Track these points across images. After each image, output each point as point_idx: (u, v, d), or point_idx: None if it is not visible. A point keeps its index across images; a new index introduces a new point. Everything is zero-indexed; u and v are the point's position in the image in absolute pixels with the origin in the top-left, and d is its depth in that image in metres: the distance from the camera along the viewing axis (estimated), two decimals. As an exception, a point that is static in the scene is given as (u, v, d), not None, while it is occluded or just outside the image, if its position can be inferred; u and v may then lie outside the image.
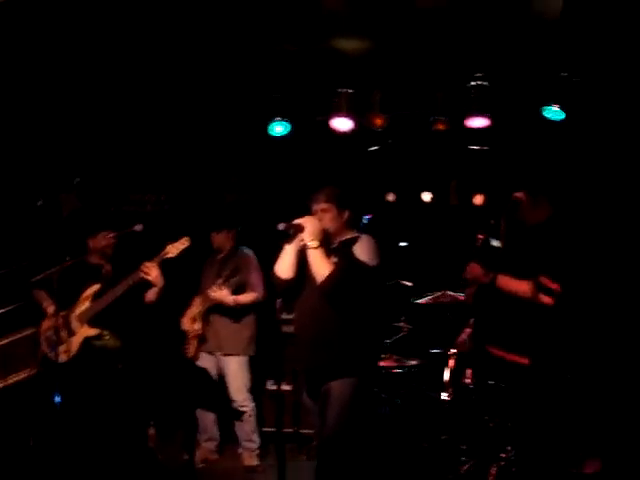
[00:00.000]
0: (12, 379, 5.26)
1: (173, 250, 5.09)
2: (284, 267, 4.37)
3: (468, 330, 5.88)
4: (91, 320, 5.06)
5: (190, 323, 5.99)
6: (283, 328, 5.46)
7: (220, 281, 5.79)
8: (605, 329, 5.15)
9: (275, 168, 7.33)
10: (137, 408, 5.73)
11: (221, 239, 6.05)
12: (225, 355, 5.97)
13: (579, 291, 4.34)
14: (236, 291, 5.85)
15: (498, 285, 4.28)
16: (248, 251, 6.08)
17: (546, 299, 4.18)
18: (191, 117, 6.81)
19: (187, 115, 6.76)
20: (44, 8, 4.84)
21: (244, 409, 5.84)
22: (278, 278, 4.41)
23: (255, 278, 5.92)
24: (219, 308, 5.90)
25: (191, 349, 5.95)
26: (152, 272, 5.00)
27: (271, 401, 6.50)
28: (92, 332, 5.05)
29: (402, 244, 7.20)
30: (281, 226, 4.28)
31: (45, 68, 5.68)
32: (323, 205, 4.33)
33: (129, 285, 5.01)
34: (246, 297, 5.88)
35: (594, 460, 5.10)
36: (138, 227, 5.17)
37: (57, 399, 4.71)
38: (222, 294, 5.78)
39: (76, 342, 5.02)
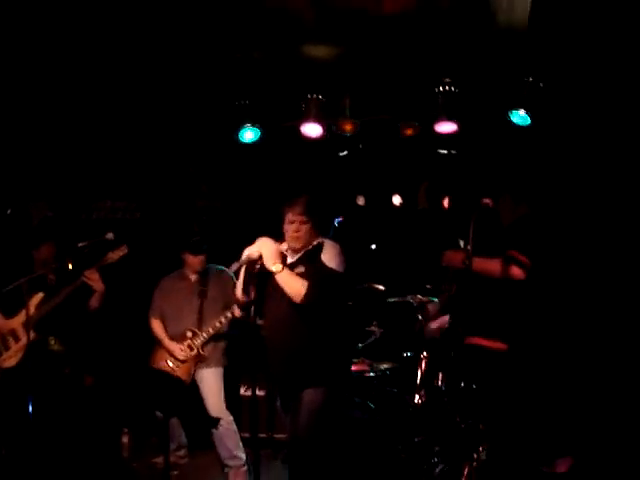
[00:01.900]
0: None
1: (113, 257, 5.34)
2: (246, 291, 4.33)
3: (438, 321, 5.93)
4: (36, 326, 5.16)
5: (187, 351, 5.70)
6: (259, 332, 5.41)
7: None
8: (579, 315, 5.30)
9: (245, 175, 7.31)
10: (105, 416, 5.73)
11: (200, 261, 5.82)
12: (201, 367, 5.72)
13: (549, 269, 4.57)
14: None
15: (474, 266, 4.35)
16: (220, 267, 5.84)
17: (516, 271, 4.42)
18: (161, 124, 6.79)
19: (157, 122, 6.75)
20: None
21: (222, 424, 5.48)
22: (241, 301, 4.43)
23: None
24: None
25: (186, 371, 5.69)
26: (92, 277, 5.25)
27: (245, 406, 6.40)
28: (37, 338, 5.18)
29: (373, 247, 7.23)
30: (234, 266, 4.24)
31: (17, 79, 5.70)
32: (301, 217, 4.31)
33: (69, 291, 5.24)
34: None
35: (565, 459, 5.17)
36: (109, 235, 5.27)
37: (30, 408, 4.71)
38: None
39: (21, 348, 5.11)
